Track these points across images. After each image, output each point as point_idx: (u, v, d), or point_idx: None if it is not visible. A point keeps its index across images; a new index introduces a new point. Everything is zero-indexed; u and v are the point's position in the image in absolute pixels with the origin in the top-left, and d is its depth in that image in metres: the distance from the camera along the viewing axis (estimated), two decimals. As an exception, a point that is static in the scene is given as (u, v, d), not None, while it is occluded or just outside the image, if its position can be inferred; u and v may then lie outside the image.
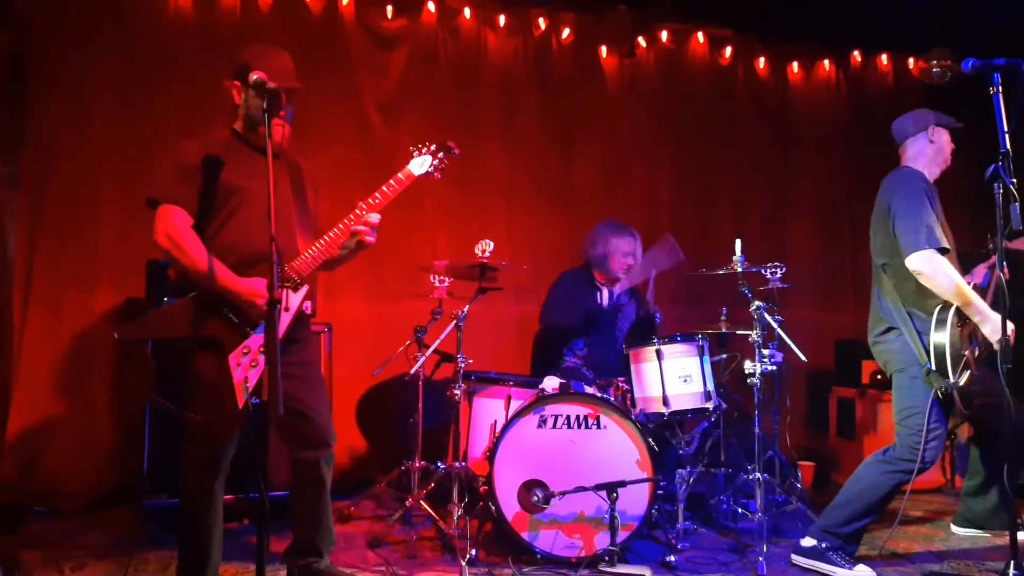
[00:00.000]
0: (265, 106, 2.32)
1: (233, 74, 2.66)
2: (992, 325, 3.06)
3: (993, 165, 2.79)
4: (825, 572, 3.14)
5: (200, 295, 2.57)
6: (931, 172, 3.34)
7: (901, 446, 3.17)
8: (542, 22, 5.34)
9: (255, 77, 2.39)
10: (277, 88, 2.35)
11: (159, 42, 4.47)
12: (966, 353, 3.12)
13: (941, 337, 3.09)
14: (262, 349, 2.55)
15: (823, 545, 3.18)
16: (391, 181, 2.78)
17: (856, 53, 6.00)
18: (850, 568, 3.11)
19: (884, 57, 6.03)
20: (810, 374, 5.43)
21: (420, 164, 2.87)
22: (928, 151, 3.35)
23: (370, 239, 2.73)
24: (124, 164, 4.32)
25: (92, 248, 4.29)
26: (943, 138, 3.36)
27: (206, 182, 2.61)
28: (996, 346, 3.03)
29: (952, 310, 3.10)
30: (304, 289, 2.68)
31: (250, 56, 2.61)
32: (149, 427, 3.60)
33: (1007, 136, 2.81)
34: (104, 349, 4.19)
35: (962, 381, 3.07)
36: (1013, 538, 2.69)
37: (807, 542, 3.23)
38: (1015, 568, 2.66)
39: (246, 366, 2.55)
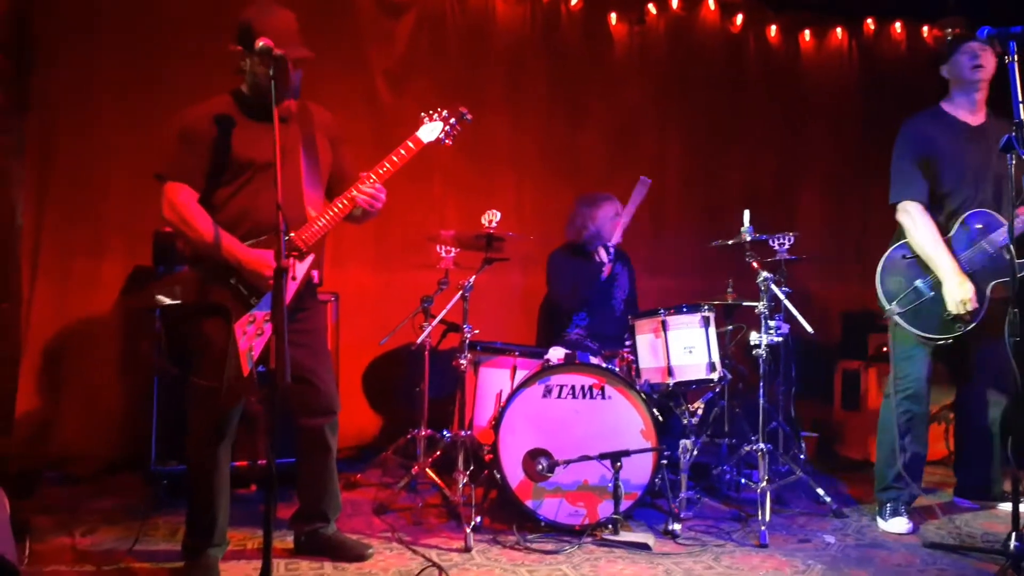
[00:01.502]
0: (272, 73, 2.31)
1: (236, 37, 2.60)
2: (949, 288, 3.21)
3: (1007, 136, 2.76)
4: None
5: (208, 265, 2.58)
6: (964, 102, 3.42)
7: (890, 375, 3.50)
8: (550, -12, 5.27)
9: (261, 44, 2.34)
10: (284, 55, 2.34)
11: (167, 8, 4.42)
12: (917, 282, 3.30)
13: (883, 268, 3.40)
14: (267, 318, 2.57)
15: (881, 495, 3.43)
16: (400, 149, 2.77)
17: (869, 21, 5.91)
18: (886, 519, 3.36)
19: (898, 25, 5.94)
20: (816, 346, 5.41)
21: (430, 131, 2.85)
22: (951, 86, 3.47)
23: (373, 210, 2.73)
24: (133, 132, 4.28)
25: (100, 217, 4.29)
26: (956, 67, 3.40)
27: (211, 153, 2.60)
28: (952, 309, 3.22)
29: (905, 244, 3.38)
30: (310, 258, 2.69)
31: (252, 17, 2.55)
32: (157, 394, 3.64)
33: (1022, 106, 2.78)
34: (112, 316, 4.22)
35: (901, 309, 3.30)
36: (1015, 509, 2.71)
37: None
38: (1016, 539, 2.69)
39: (251, 335, 2.57)
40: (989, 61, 3.33)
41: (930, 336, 3.30)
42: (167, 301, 2.57)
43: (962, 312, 3.20)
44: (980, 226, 3.30)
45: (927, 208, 3.34)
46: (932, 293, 3.27)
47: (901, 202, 3.40)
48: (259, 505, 3.49)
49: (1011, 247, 2.88)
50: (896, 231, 3.48)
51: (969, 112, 3.44)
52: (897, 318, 3.33)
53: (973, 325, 3.24)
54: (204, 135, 2.60)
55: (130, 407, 4.15)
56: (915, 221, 3.34)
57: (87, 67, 4.28)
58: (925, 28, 5.90)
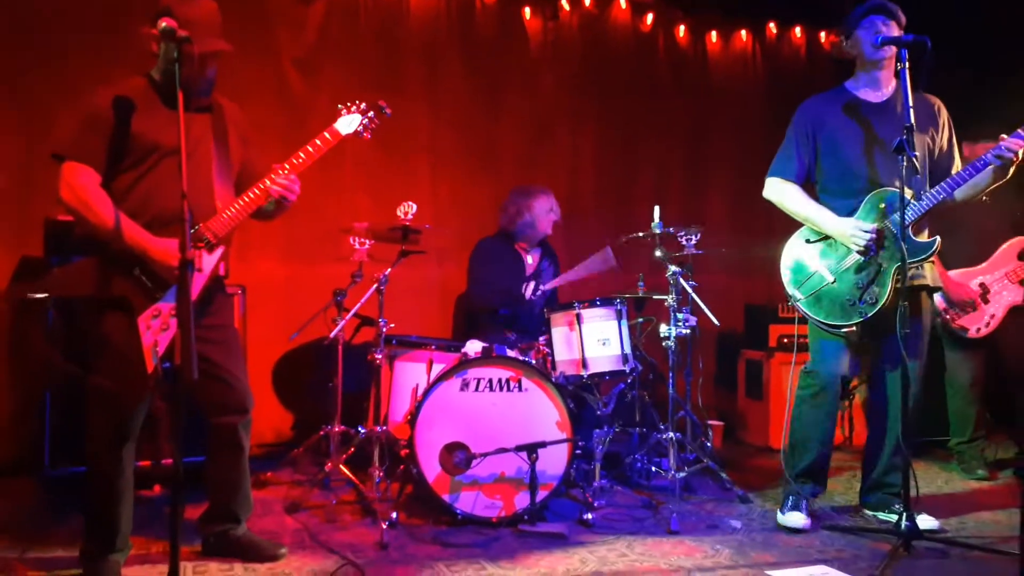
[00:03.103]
0: (175, 55, 2.22)
1: (153, 20, 2.45)
2: (836, 230, 3.22)
3: (898, 139, 2.91)
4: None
5: (109, 254, 2.45)
6: (866, 80, 3.34)
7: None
8: (465, -20, 5.26)
9: (163, 25, 2.24)
10: (188, 36, 2.24)
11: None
12: (819, 265, 3.29)
13: (785, 255, 3.40)
14: (173, 312, 2.45)
15: (785, 488, 3.37)
16: (316, 140, 2.72)
17: (772, 25, 6.15)
18: (784, 513, 3.29)
19: (798, 30, 6.20)
20: (721, 337, 5.62)
21: (348, 123, 2.81)
22: (856, 64, 3.38)
23: (287, 202, 2.67)
24: (22, 115, 4.04)
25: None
26: (858, 44, 3.28)
27: (117, 135, 2.47)
28: (854, 245, 3.16)
29: (802, 230, 3.37)
30: (220, 250, 2.59)
31: (172, 4, 2.44)
32: (51, 391, 3.43)
33: (911, 111, 2.94)
34: (-1, 310, 3.96)
35: (803, 295, 3.29)
36: (905, 491, 2.88)
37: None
38: (907, 520, 2.86)
39: (156, 329, 2.45)
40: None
41: (831, 324, 3.25)
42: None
43: (864, 243, 3.12)
44: (883, 206, 3.20)
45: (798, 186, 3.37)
46: (832, 279, 3.24)
47: (768, 178, 3.46)
48: (163, 506, 3.35)
49: (903, 246, 2.95)
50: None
51: (872, 90, 3.33)
52: (800, 305, 3.31)
53: (875, 311, 3.15)
54: (109, 116, 2.46)
55: (20, 406, 3.90)
56: (780, 192, 3.40)
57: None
58: (823, 33, 6.18)
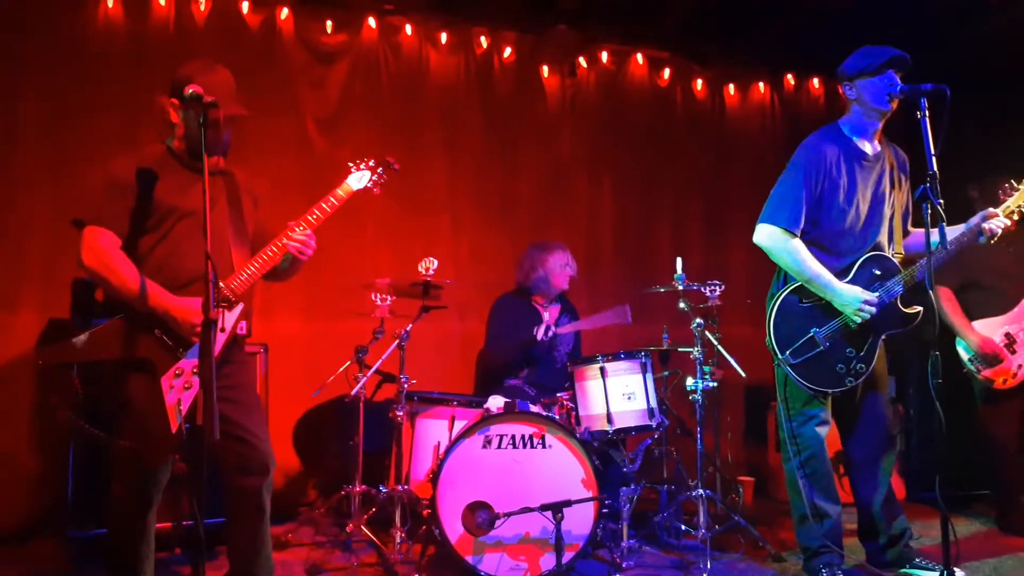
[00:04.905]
0: (201, 120, 2.27)
1: (171, 91, 2.58)
2: (840, 298, 3.08)
3: (921, 187, 2.89)
4: None
5: (131, 316, 2.47)
6: (866, 129, 3.23)
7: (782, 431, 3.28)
8: (484, 40, 5.37)
9: (190, 91, 2.33)
10: (215, 101, 2.30)
11: (89, 57, 4.35)
12: (813, 331, 3.12)
13: (777, 312, 3.18)
14: (195, 370, 2.45)
15: (811, 563, 3.15)
16: (329, 197, 2.77)
17: (790, 76, 6.18)
18: None
19: (816, 81, 6.22)
20: (748, 389, 5.51)
21: (358, 179, 2.88)
22: (854, 108, 3.25)
23: (303, 257, 2.69)
24: (51, 180, 4.15)
25: (15, 267, 4.10)
26: (869, 92, 3.16)
27: (139, 200, 2.53)
28: (852, 318, 3.08)
29: (796, 287, 3.18)
30: (239, 308, 2.60)
31: (192, 73, 2.54)
32: (74, 453, 3.43)
33: (934, 158, 2.92)
34: (26, 372, 3.99)
35: (794, 360, 3.10)
36: (945, 548, 2.76)
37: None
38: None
39: (179, 388, 2.45)
40: None
41: (822, 389, 3.15)
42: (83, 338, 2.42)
43: (865, 317, 3.06)
44: (878, 272, 3.18)
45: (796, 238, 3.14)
46: (828, 344, 3.12)
47: (765, 224, 3.20)
48: (183, 567, 3.30)
49: (932, 293, 2.89)
50: (777, 270, 3.31)
51: (867, 140, 3.25)
52: (789, 369, 3.12)
53: (864, 377, 3.14)
54: (131, 182, 2.54)
55: (45, 467, 3.90)
56: (783, 245, 3.15)
57: (7, 113, 4.14)
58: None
